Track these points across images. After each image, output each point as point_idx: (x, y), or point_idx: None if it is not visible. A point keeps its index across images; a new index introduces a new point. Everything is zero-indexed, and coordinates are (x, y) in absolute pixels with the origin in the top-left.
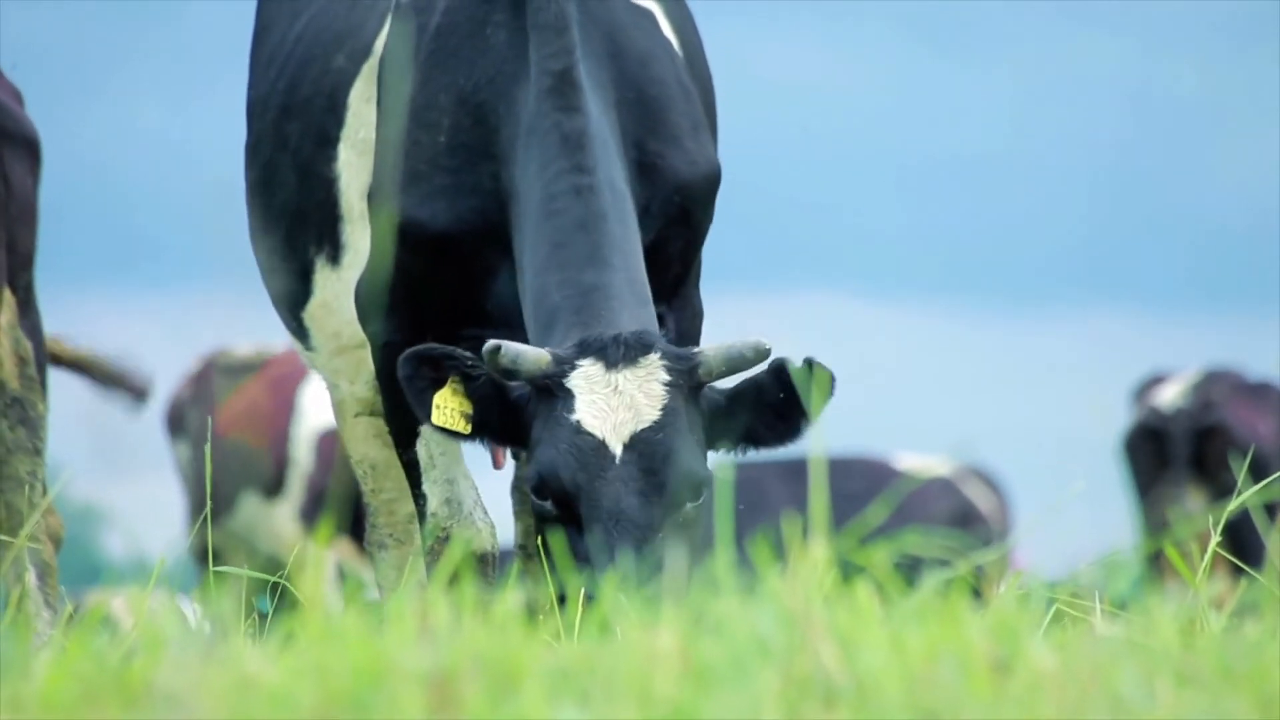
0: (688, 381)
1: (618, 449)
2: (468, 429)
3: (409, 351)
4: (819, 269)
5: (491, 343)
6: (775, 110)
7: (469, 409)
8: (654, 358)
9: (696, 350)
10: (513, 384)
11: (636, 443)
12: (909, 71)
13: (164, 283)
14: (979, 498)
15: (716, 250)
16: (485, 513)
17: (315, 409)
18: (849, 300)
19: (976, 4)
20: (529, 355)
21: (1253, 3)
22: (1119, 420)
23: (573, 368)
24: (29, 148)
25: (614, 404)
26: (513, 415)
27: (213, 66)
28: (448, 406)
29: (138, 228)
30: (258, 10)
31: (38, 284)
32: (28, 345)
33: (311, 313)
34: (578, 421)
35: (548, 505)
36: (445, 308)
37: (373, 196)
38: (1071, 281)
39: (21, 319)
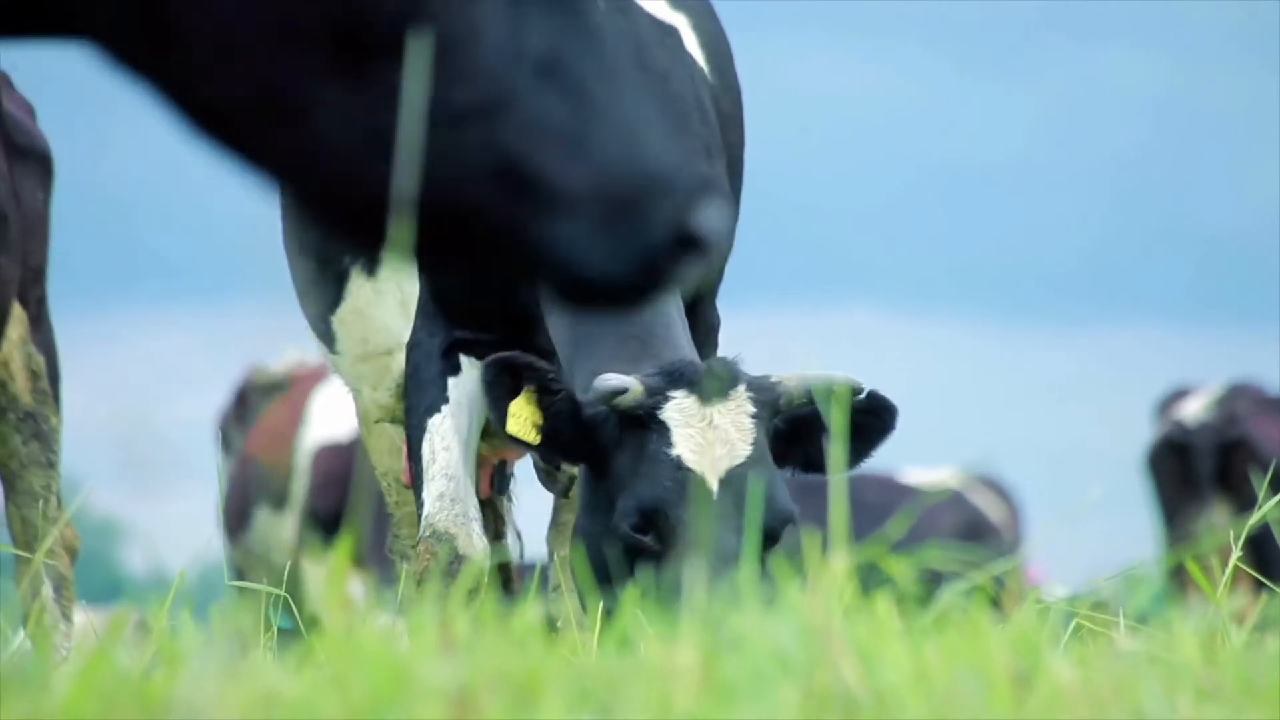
0: (769, 413)
1: (715, 484)
2: (538, 440)
3: (492, 358)
4: (838, 283)
5: (607, 385)
6: (794, 123)
7: (541, 420)
8: (741, 389)
9: (778, 380)
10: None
11: (732, 478)
12: (936, 86)
13: (193, 295)
14: (989, 508)
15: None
16: (480, 526)
17: (321, 420)
18: (867, 312)
19: (1005, 20)
20: (619, 386)
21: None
22: (1141, 434)
23: (665, 399)
24: (41, 162)
25: (710, 438)
26: (586, 434)
27: None
28: (521, 415)
29: (155, 242)
30: None
31: (55, 298)
32: (40, 360)
33: (341, 317)
34: (678, 457)
35: (648, 539)
36: (471, 309)
37: None
38: (1094, 295)
39: (34, 333)
